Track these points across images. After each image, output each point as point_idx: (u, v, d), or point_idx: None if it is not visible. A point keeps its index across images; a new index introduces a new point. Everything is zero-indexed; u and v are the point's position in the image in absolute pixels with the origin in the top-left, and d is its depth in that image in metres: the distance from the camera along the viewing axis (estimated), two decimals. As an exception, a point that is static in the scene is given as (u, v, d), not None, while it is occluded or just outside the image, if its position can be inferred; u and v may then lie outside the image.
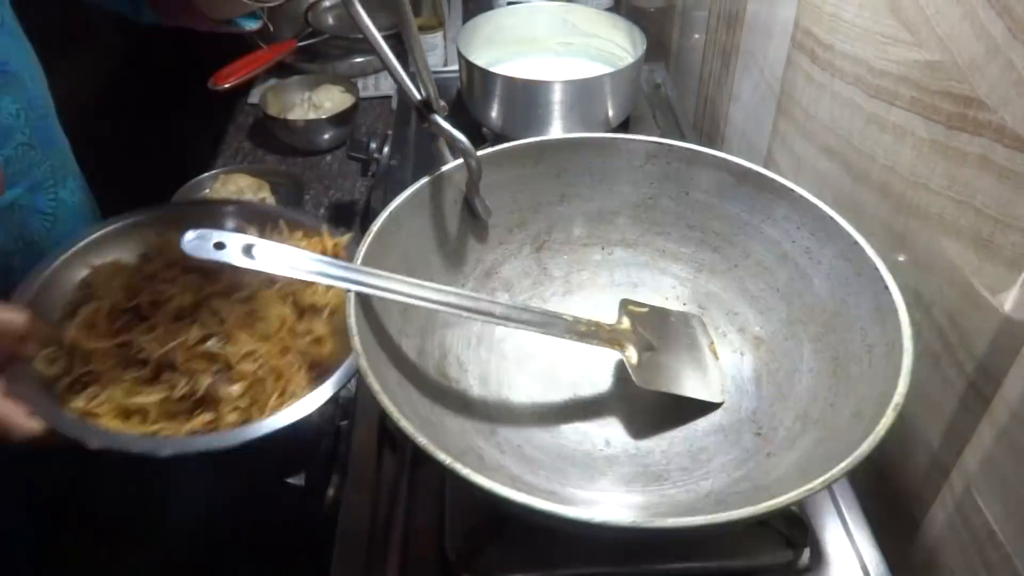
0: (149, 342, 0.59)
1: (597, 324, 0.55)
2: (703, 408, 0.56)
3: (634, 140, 0.62)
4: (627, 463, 0.53)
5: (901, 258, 0.52)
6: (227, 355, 0.59)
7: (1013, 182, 0.45)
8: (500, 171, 0.60)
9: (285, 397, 0.59)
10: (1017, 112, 0.44)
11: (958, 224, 0.51)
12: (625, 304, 0.59)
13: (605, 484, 0.52)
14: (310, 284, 0.67)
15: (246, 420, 0.58)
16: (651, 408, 0.57)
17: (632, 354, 0.55)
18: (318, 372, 0.62)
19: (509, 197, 0.62)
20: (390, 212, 0.54)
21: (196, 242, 0.45)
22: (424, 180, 0.57)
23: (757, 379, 0.58)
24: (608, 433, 0.55)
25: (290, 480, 0.56)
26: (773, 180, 0.58)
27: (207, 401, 0.58)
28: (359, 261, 0.50)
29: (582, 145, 0.62)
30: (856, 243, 0.53)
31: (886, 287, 0.50)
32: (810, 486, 0.39)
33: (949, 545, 0.54)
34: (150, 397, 0.58)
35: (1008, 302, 0.47)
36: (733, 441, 0.54)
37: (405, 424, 0.41)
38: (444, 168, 0.58)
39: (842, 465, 0.40)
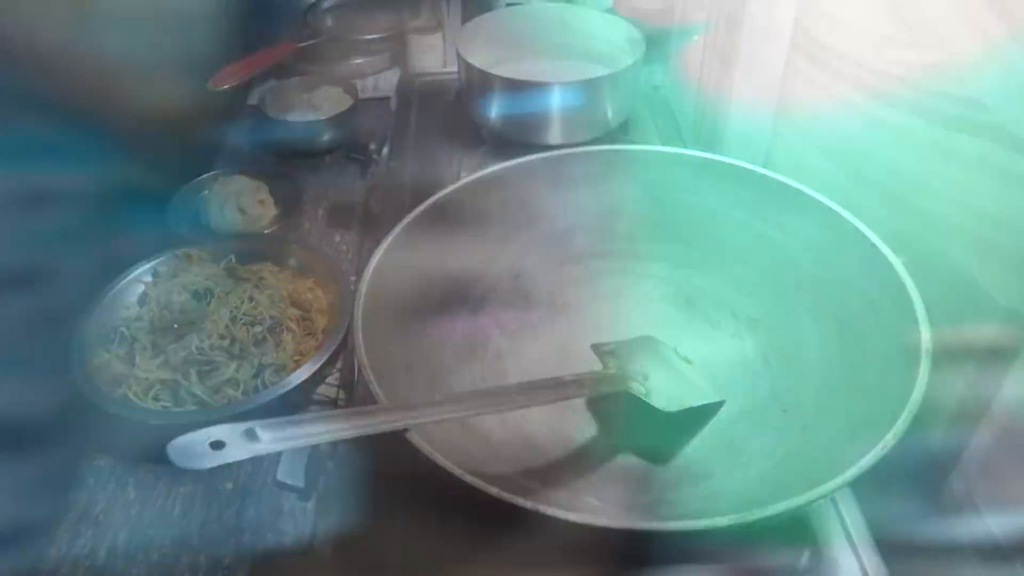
0: None
1: (598, 373, 0.55)
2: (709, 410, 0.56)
3: (588, 152, 0.62)
4: (665, 469, 0.53)
5: (901, 259, 0.52)
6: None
7: (1013, 183, 0.46)
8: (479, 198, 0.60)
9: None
10: (1017, 113, 0.44)
11: (958, 225, 0.51)
12: (597, 348, 0.58)
13: (656, 493, 0.52)
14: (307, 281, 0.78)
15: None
16: (659, 424, 0.56)
17: (639, 387, 0.55)
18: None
19: (480, 233, 0.61)
20: (375, 266, 0.52)
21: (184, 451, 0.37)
22: (399, 227, 0.55)
23: (764, 359, 0.58)
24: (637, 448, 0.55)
25: (288, 480, 0.56)
26: (732, 165, 0.59)
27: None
28: (359, 326, 0.48)
29: (534, 167, 0.61)
30: (830, 209, 0.53)
31: (872, 244, 0.51)
32: (877, 448, 0.39)
33: (948, 545, 0.54)
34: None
35: (1008, 302, 0.47)
36: (761, 423, 0.54)
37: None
38: (414, 213, 0.57)
39: (904, 415, 0.40)
